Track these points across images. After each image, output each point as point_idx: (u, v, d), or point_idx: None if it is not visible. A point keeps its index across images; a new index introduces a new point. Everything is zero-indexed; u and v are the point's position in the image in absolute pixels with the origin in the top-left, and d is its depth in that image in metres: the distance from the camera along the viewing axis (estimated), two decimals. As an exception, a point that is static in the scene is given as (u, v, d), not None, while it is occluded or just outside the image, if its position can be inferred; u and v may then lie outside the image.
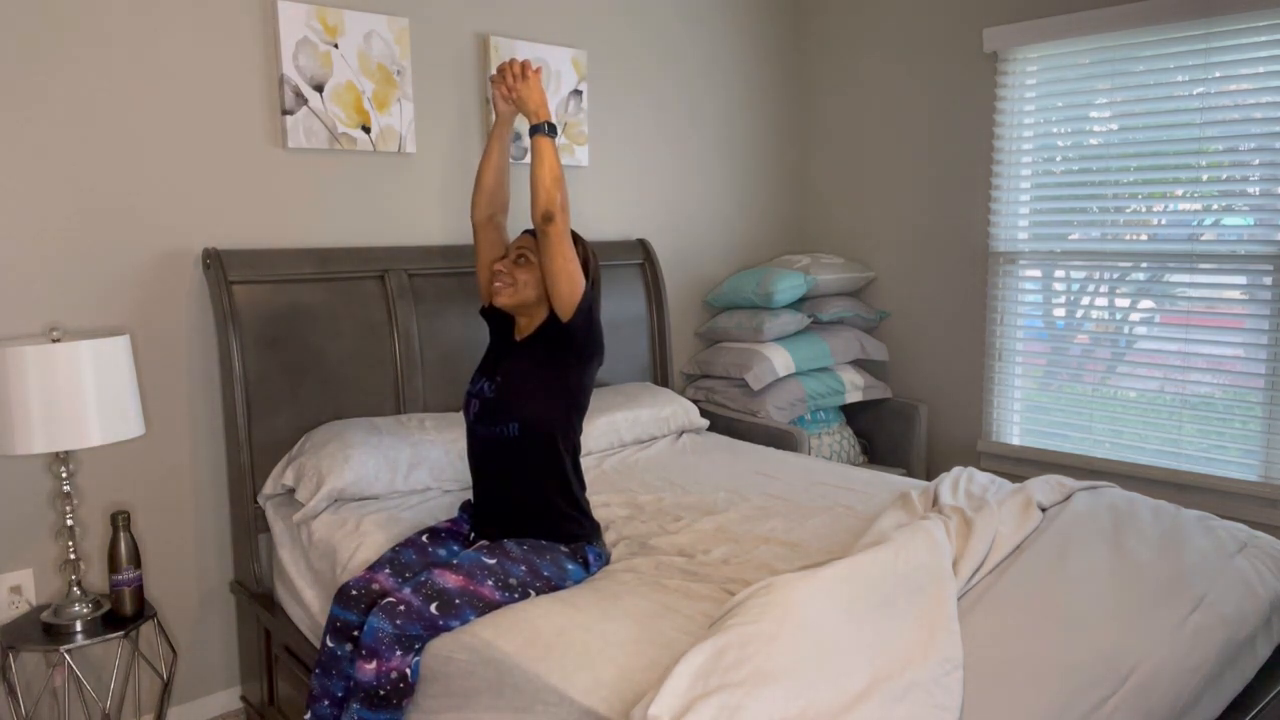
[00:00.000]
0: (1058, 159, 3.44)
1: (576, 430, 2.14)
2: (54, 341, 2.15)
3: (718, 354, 3.72)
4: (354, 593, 1.98)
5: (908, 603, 1.69)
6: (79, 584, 2.30)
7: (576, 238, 2.16)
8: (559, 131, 2.01)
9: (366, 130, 2.84)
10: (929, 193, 3.82)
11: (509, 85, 2.16)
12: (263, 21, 2.65)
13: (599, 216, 3.53)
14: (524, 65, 2.15)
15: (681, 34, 3.73)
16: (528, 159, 3.22)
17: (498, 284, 2.12)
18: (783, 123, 4.19)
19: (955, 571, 1.87)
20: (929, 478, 3.88)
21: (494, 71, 2.20)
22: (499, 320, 2.26)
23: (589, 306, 2.07)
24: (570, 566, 2.02)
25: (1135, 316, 3.30)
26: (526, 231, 2.18)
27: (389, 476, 2.50)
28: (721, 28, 3.88)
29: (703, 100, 3.85)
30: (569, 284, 2.03)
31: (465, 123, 3.10)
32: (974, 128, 3.64)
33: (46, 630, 2.23)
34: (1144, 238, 3.25)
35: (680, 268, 3.85)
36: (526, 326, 2.16)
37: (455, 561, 1.94)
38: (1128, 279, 3.30)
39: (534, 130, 2.08)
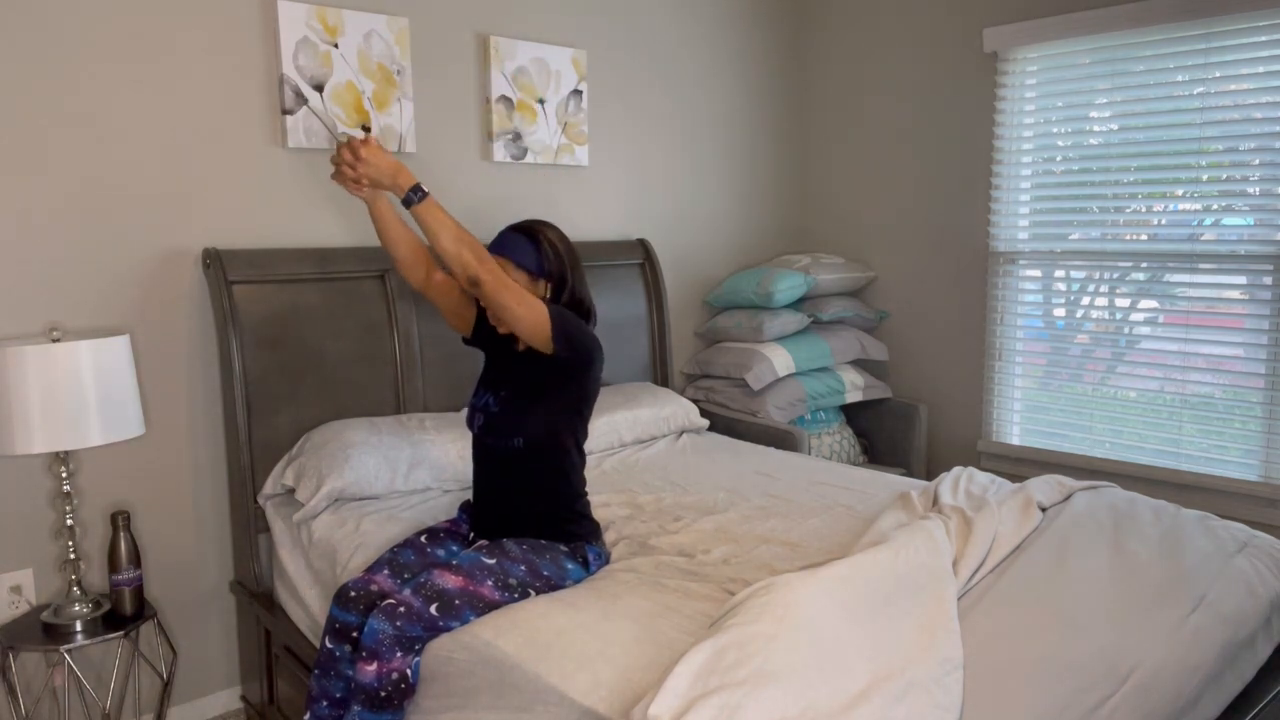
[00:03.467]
0: (1058, 159, 3.44)
1: (582, 436, 2.14)
2: (54, 341, 2.15)
3: (718, 354, 3.72)
4: (353, 594, 1.98)
5: (908, 603, 1.69)
6: (79, 584, 2.30)
7: (538, 234, 2.09)
8: (428, 194, 1.89)
9: (367, 130, 2.84)
10: (929, 193, 3.82)
11: (354, 177, 1.95)
12: (263, 21, 2.65)
13: (599, 216, 3.53)
14: (350, 144, 1.94)
15: (682, 34, 3.73)
16: (529, 158, 3.22)
17: (493, 316, 2.07)
18: (783, 122, 4.19)
19: (955, 571, 1.87)
20: (929, 478, 3.88)
21: (332, 171, 1.99)
22: (493, 337, 2.22)
23: (562, 325, 1.99)
24: (570, 566, 2.02)
25: (1135, 316, 3.30)
26: (490, 250, 2.11)
27: (389, 476, 2.50)
28: (722, 26, 3.88)
29: (703, 99, 3.85)
30: (529, 317, 1.95)
31: (465, 123, 3.10)
32: (974, 128, 3.64)
33: (46, 630, 2.23)
34: (1144, 238, 3.25)
35: (680, 268, 3.85)
36: None
37: (455, 562, 1.94)
38: (1128, 279, 3.30)
39: (407, 203, 1.90)
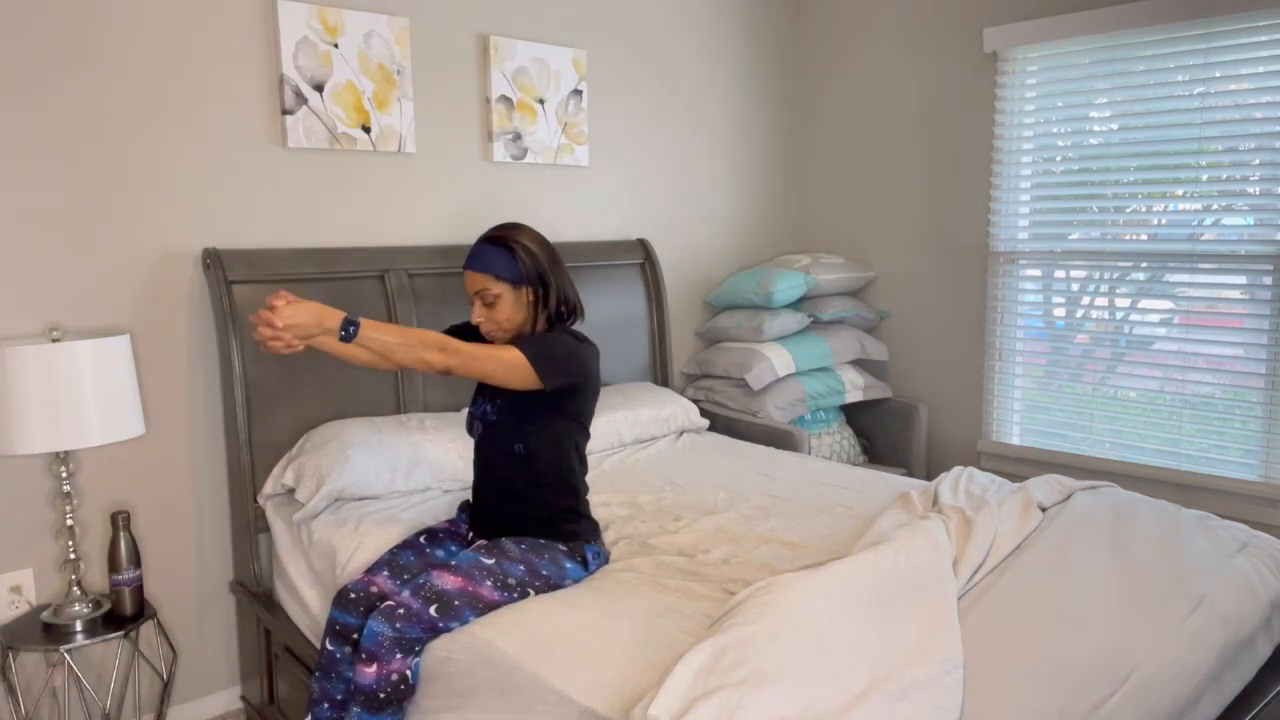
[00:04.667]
0: (1058, 159, 3.44)
1: (583, 440, 2.13)
2: (54, 341, 2.15)
3: (718, 354, 3.72)
4: (353, 596, 1.98)
5: (908, 603, 1.69)
6: (79, 584, 2.30)
7: (511, 242, 2.03)
8: (359, 321, 1.80)
9: (366, 130, 2.84)
10: (929, 193, 3.82)
11: (285, 343, 1.77)
12: (263, 21, 2.65)
13: (599, 216, 3.53)
14: (261, 316, 1.75)
15: (681, 34, 3.73)
16: (529, 158, 3.22)
17: (488, 334, 2.06)
18: (783, 122, 4.19)
19: (955, 571, 1.87)
20: (929, 478, 3.88)
21: (259, 342, 1.84)
22: None
23: (545, 361, 1.95)
24: (569, 565, 2.02)
25: (1135, 316, 3.30)
26: (465, 267, 2.08)
27: (389, 476, 2.50)
28: (722, 26, 3.88)
29: (703, 100, 3.85)
30: (511, 374, 1.92)
31: (465, 123, 3.10)
32: (974, 128, 3.64)
33: (46, 630, 2.23)
34: (1144, 238, 3.25)
35: (680, 268, 3.85)
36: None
37: (454, 563, 1.94)
38: (1128, 279, 3.30)
39: (345, 340, 1.80)
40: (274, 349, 1.76)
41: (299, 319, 1.76)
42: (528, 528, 2.07)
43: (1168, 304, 3.22)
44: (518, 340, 1.99)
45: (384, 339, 1.82)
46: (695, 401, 3.73)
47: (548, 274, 2.07)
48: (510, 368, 1.92)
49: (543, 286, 2.07)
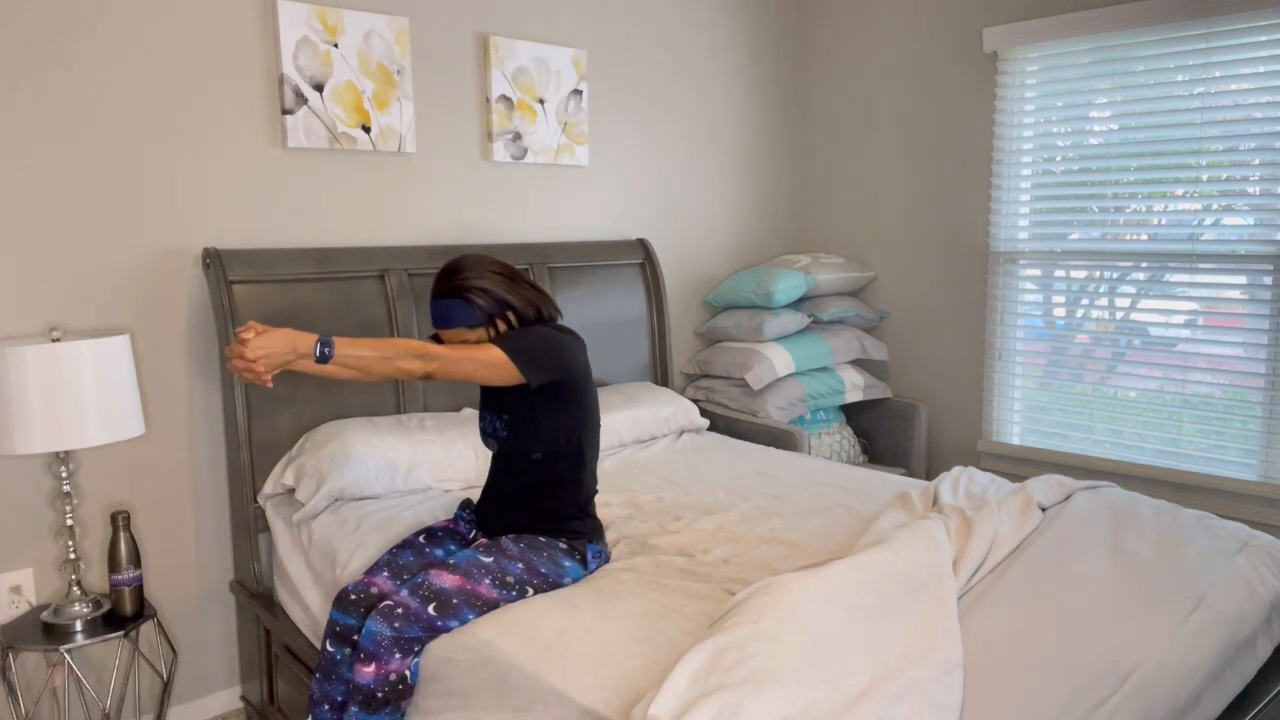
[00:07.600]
0: (1058, 159, 3.44)
1: (594, 432, 2.14)
2: (54, 341, 2.15)
3: (718, 354, 3.72)
4: (353, 597, 1.98)
5: (908, 602, 1.69)
6: (79, 584, 2.30)
7: (462, 290, 1.99)
8: (333, 340, 1.78)
9: (366, 130, 2.84)
10: (929, 193, 3.82)
11: (259, 374, 1.72)
12: (263, 21, 2.65)
13: (599, 216, 3.53)
14: (233, 349, 1.72)
15: (681, 33, 3.73)
16: (529, 158, 3.22)
17: None
18: (783, 122, 4.19)
19: (955, 571, 1.87)
20: (929, 478, 3.88)
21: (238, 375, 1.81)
22: None
23: (523, 356, 1.93)
24: (568, 564, 2.02)
25: (1135, 316, 3.30)
26: (434, 327, 2.06)
27: (389, 476, 2.50)
28: (722, 26, 3.88)
29: (703, 99, 3.85)
30: (491, 372, 1.90)
31: (465, 123, 3.10)
32: (974, 128, 3.64)
33: (46, 630, 2.23)
34: (1144, 238, 3.25)
35: (680, 268, 3.85)
36: None
37: (452, 561, 1.94)
38: (1128, 279, 3.30)
39: (323, 361, 1.77)
40: (249, 380, 1.74)
41: (271, 348, 1.71)
42: (535, 524, 2.07)
43: (1168, 304, 3.22)
44: (497, 338, 1.99)
45: (361, 354, 1.79)
46: (695, 401, 3.73)
47: (509, 299, 2.04)
48: (491, 367, 1.91)
49: (511, 309, 2.05)
